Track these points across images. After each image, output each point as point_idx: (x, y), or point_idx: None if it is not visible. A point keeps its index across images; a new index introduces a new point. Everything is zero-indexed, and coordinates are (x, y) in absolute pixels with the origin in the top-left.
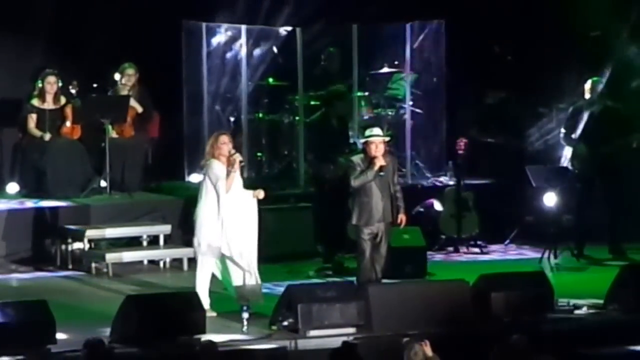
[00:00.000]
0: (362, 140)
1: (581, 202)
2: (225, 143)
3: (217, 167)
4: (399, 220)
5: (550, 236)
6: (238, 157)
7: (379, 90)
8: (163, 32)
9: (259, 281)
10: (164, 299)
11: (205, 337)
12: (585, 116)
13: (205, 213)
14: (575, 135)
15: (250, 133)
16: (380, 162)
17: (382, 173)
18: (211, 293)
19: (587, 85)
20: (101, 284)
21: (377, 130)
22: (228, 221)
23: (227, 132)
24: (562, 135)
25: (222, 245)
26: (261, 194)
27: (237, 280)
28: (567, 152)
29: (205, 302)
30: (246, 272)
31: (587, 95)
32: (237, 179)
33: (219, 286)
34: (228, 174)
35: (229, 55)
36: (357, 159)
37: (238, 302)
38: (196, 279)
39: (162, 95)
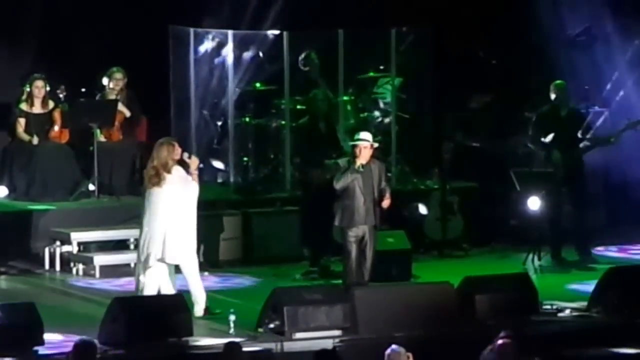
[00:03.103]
0: (351, 143)
1: (557, 205)
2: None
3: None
4: (384, 203)
5: (534, 240)
6: (195, 160)
7: (364, 95)
8: (151, 37)
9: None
10: (150, 302)
11: (192, 339)
12: (552, 120)
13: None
14: (545, 139)
15: (237, 137)
16: (360, 160)
17: (362, 169)
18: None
19: (551, 88)
20: (89, 286)
21: (365, 135)
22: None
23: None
24: (529, 139)
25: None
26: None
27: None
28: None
29: None
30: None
31: (553, 98)
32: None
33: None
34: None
35: (216, 60)
36: (343, 162)
37: None
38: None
39: (149, 99)
